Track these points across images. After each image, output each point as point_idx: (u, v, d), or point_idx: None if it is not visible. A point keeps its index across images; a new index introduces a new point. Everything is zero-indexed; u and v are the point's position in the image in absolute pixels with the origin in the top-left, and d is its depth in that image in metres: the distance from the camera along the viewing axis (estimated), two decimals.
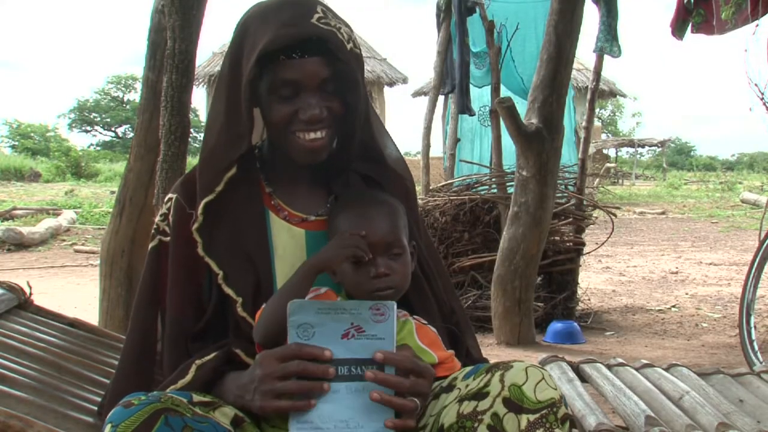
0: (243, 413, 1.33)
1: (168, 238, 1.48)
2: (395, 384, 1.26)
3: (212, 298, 1.44)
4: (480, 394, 1.25)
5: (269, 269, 1.45)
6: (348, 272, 1.41)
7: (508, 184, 5.32)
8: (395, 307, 1.30)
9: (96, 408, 1.61)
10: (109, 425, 1.17)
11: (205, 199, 1.44)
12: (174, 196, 1.50)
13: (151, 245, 1.51)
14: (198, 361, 1.37)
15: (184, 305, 1.44)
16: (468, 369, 1.35)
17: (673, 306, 6.06)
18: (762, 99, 3.97)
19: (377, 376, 1.26)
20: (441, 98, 7.88)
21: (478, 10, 6.33)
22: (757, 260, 4.00)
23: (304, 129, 1.41)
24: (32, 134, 42.68)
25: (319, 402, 1.27)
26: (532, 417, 1.21)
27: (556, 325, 4.86)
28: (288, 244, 1.48)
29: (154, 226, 1.52)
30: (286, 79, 1.39)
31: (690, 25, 4.77)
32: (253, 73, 1.39)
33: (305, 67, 1.39)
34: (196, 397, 1.29)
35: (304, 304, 1.28)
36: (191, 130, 3.45)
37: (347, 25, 1.45)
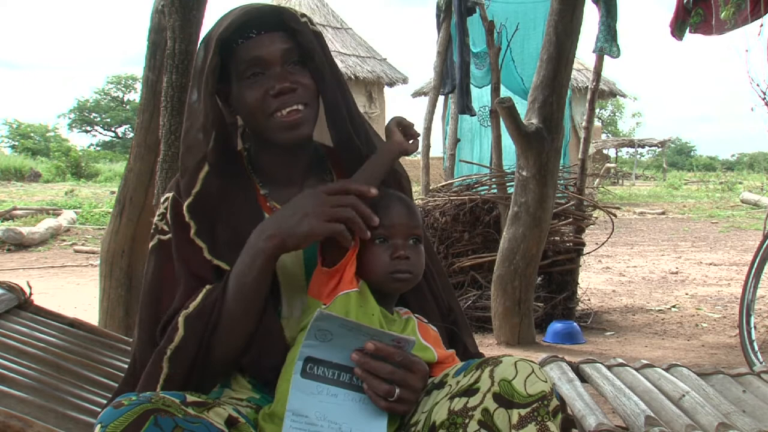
0: (238, 413, 1.33)
1: (167, 237, 1.48)
2: (375, 367, 1.28)
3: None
4: (470, 390, 1.25)
5: None
6: (371, 251, 1.42)
7: (508, 184, 5.33)
8: (414, 343, 1.33)
9: (100, 409, 1.60)
10: (98, 426, 1.17)
11: (186, 203, 1.45)
12: (171, 194, 1.50)
13: (151, 245, 1.51)
14: (209, 286, 1.39)
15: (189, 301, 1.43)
16: (459, 365, 1.35)
17: (673, 306, 6.06)
18: (764, 99, 3.97)
19: (360, 359, 1.28)
20: (441, 98, 7.88)
21: (478, 10, 6.34)
22: (757, 260, 4.01)
23: (279, 106, 1.43)
24: (32, 134, 42.69)
25: (317, 401, 1.28)
26: (523, 411, 1.21)
27: (556, 326, 4.86)
28: None
29: (153, 226, 1.51)
30: (248, 58, 1.43)
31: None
32: (214, 63, 1.42)
33: (263, 41, 1.43)
34: (190, 398, 1.28)
35: (331, 316, 1.29)
36: None
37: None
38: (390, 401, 1.29)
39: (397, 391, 1.29)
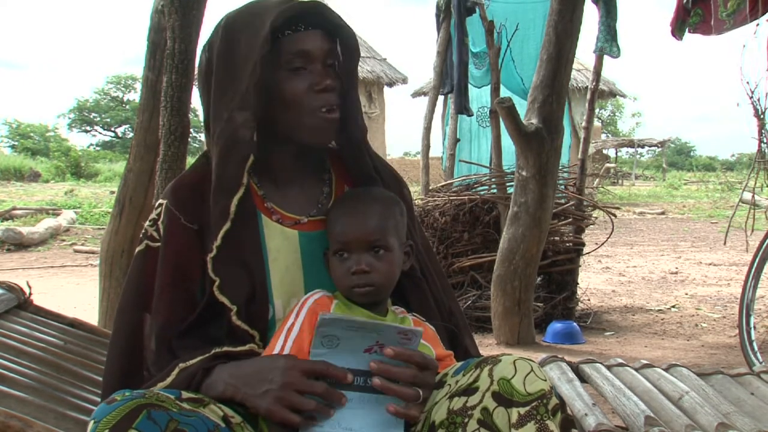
0: (233, 411, 1.32)
1: (156, 244, 1.46)
2: (397, 374, 1.27)
3: (204, 299, 1.42)
4: (470, 390, 1.25)
5: (263, 274, 1.44)
6: (334, 265, 1.42)
7: (507, 184, 5.33)
8: (421, 333, 1.31)
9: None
10: (92, 422, 1.16)
11: (237, 195, 1.42)
12: (164, 202, 1.48)
13: (138, 249, 1.49)
14: (182, 364, 1.35)
15: (172, 310, 1.42)
16: (458, 365, 1.35)
17: (673, 306, 6.06)
18: (751, 99, 3.99)
19: (380, 367, 1.26)
20: (441, 98, 7.88)
21: (477, 10, 6.33)
22: (757, 260, 4.01)
23: (323, 104, 1.43)
24: (32, 134, 42.72)
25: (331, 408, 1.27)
26: (522, 410, 1.21)
27: (555, 326, 4.86)
28: (282, 246, 1.48)
29: (143, 231, 1.50)
30: (297, 51, 1.43)
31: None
32: (265, 50, 1.39)
33: (311, 37, 1.43)
34: (186, 394, 1.28)
35: (335, 319, 1.27)
36: (191, 130, 3.45)
37: None
38: (417, 404, 1.28)
39: (422, 393, 1.28)
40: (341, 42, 1.46)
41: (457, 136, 7.88)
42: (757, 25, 4.04)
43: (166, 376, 1.35)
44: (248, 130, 1.42)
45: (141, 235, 1.51)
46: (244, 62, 1.41)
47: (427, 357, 1.31)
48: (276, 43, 1.42)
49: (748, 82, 3.97)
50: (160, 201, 1.50)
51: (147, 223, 1.50)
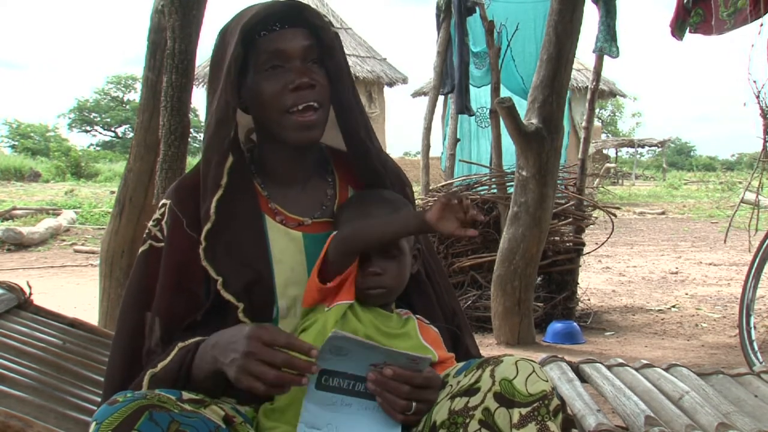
0: (235, 411, 1.33)
1: (160, 244, 1.47)
2: (393, 387, 1.28)
3: (210, 300, 1.43)
4: (471, 390, 1.26)
5: (269, 274, 1.45)
6: None
7: (507, 184, 5.32)
8: (430, 361, 1.33)
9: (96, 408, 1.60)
10: (93, 423, 1.17)
11: (216, 195, 1.44)
12: (167, 202, 1.49)
13: (141, 249, 1.50)
14: (181, 344, 1.37)
15: (174, 311, 1.43)
16: (460, 365, 1.36)
17: (673, 306, 6.06)
18: (758, 98, 3.98)
19: (377, 378, 1.27)
20: (441, 98, 7.87)
21: (478, 10, 6.33)
22: (757, 260, 4.01)
23: (296, 101, 1.42)
24: (32, 134, 42.73)
25: (330, 412, 1.28)
26: (524, 411, 1.21)
27: (555, 326, 4.86)
28: (286, 248, 1.48)
29: (146, 231, 1.51)
30: (270, 51, 1.43)
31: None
32: (237, 51, 1.41)
33: (286, 36, 1.43)
34: (186, 395, 1.28)
35: (347, 338, 1.27)
36: (191, 130, 3.46)
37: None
38: (407, 414, 1.29)
39: (414, 405, 1.30)
40: (319, 40, 1.46)
41: (457, 136, 7.88)
42: (761, 25, 4.03)
43: (167, 356, 1.36)
44: (226, 132, 1.44)
45: (144, 235, 1.51)
46: (221, 66, 1.44)
47: (431, 378, 1.32)
48: (254, 45, 1.43)
49: (755, 82, 3.97)
50: (164, 201, 1.51)
51: (150, 223, 1.51)
